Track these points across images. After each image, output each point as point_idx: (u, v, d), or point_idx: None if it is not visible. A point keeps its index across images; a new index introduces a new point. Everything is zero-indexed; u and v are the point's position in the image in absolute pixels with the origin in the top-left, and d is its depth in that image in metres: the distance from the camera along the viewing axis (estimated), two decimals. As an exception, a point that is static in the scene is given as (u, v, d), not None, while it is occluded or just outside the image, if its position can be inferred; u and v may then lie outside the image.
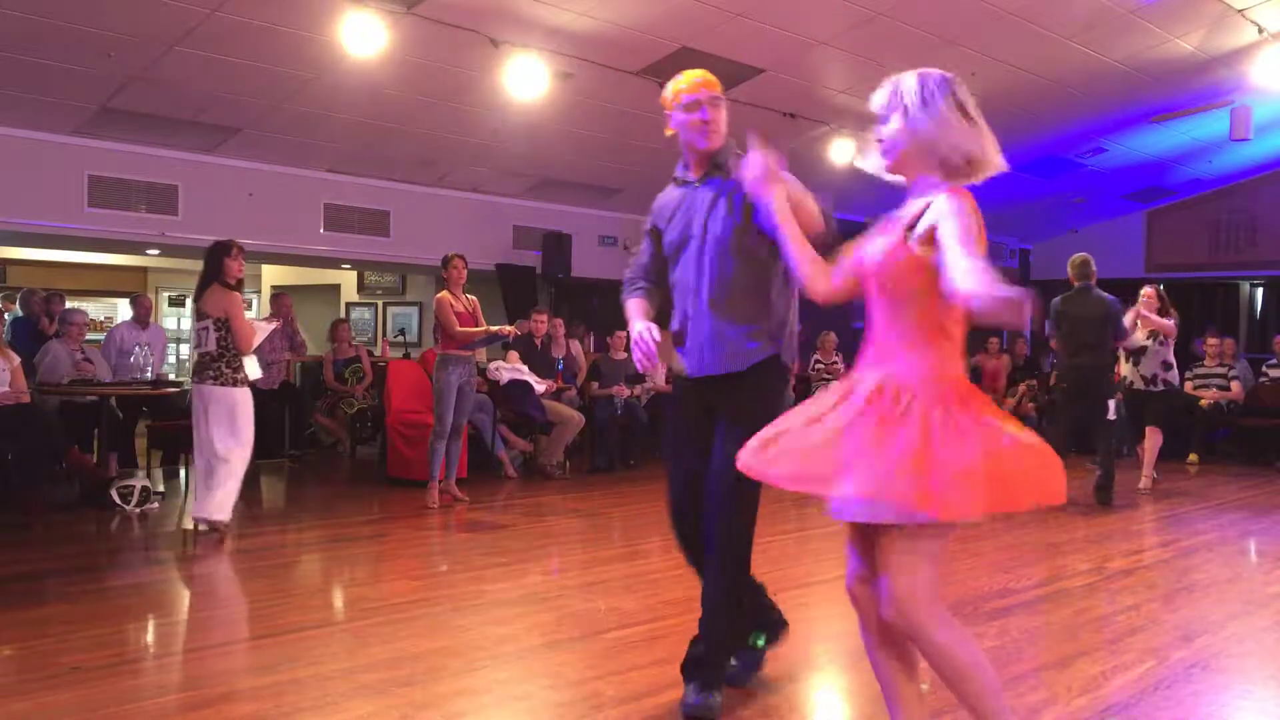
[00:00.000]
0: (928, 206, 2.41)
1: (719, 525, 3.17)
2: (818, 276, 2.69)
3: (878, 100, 2.53)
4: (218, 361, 5.89)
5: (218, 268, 5.96)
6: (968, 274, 2.25)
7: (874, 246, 2.54)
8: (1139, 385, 8.19)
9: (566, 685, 3.45)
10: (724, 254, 3.20)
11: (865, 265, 2.55)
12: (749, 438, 2.61)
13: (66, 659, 3.64)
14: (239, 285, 6.05)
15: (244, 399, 5.94)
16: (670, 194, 3.42)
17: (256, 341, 6.15)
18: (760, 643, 3.46)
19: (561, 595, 4.71)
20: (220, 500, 5.82)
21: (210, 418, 5.84)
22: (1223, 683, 3.65)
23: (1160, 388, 8.17)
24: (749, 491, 3.08)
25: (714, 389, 3.26)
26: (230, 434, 5.85)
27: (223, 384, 5.87)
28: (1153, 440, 8.23)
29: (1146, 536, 6.51)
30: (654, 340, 3.25)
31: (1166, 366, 8.17)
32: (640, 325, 3.29)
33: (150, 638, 4.13)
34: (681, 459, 3.36)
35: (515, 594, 4.75)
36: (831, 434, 2.39)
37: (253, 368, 6.09)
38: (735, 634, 3.33)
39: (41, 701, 3.23)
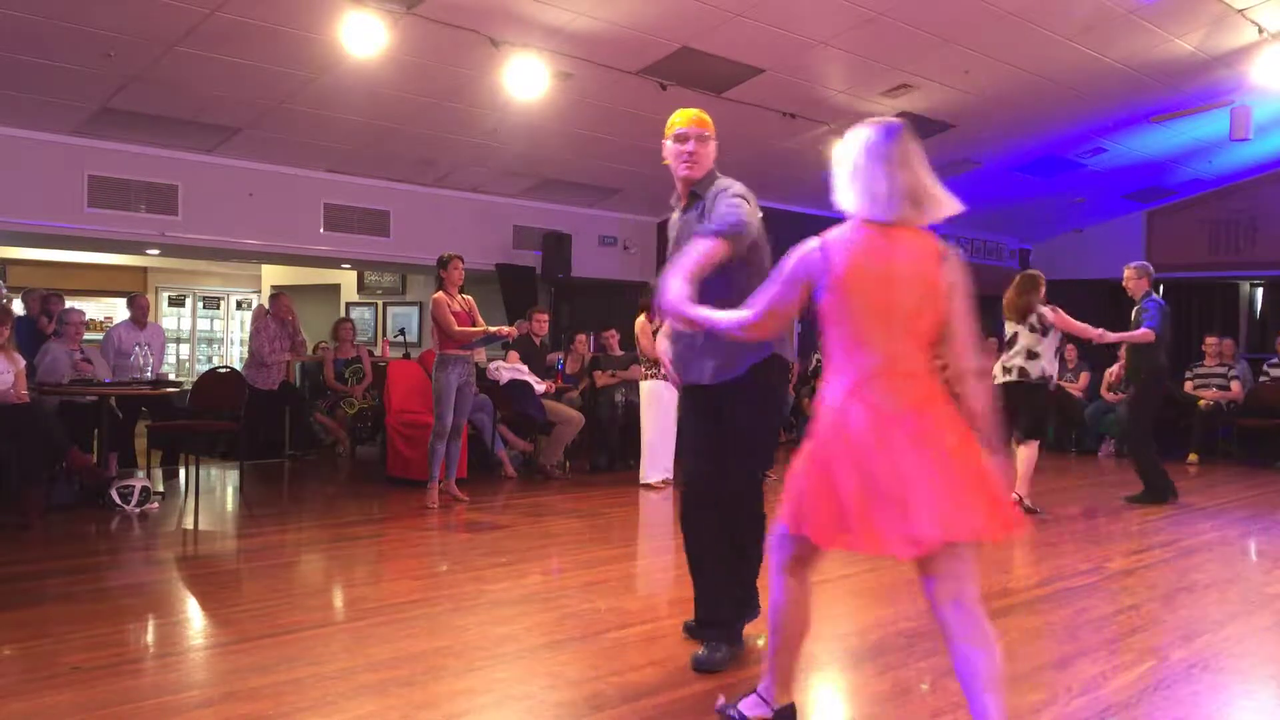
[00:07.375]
0: None
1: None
2: (766, 329, 2.83)
3: None
4: None
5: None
6: None
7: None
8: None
9: (566, 685, 3.45)
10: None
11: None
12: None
13: (66, 659, 3.63)
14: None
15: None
16: (672, 219, 3.88)
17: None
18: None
19: (561, 595, 4.70)
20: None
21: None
22: (1223, 683, 3.65)
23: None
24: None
25: (716, 395, 3.60)
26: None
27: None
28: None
29: (1146, 536, 6.51)
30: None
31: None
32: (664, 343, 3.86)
33: (150, 638, 4.12)
34: (691, 460, 3.79)
35: (515, 594, 4.74)
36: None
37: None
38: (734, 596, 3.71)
39: (41, 701, 3.22)
